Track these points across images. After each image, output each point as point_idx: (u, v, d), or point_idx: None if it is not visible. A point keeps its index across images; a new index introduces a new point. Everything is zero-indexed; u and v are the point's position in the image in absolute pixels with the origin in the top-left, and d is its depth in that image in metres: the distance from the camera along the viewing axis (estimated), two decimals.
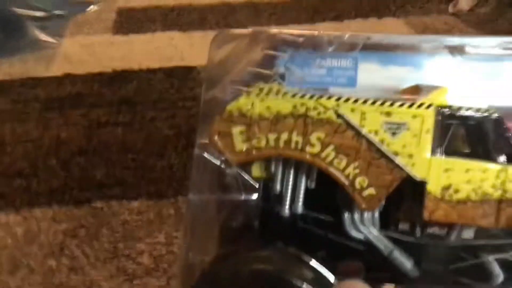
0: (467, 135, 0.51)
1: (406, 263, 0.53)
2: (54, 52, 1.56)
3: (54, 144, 1.15)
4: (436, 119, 0.50)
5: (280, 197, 0.54)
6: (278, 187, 0.54)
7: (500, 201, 0.50)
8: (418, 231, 0.54)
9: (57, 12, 1.83)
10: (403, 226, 0.55)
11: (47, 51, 1.57)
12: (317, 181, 0.54)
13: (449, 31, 1.30)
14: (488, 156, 0.50)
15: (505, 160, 0.50)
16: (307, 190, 0.54)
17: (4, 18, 1.67)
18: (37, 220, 0.96)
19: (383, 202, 0.53)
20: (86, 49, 1.56)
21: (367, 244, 0.54)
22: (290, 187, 0.54)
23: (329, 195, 0.54)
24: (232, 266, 0.47)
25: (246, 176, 0.52)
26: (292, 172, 0.54)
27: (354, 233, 0.53)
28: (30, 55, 1.54)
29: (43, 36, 1.67)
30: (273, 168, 0.54)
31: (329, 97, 0.49)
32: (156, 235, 0.90)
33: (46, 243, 0.91)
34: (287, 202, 0.54)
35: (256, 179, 0.55)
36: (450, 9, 1.40)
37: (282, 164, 0.54)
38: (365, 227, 0.53)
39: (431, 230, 0.54)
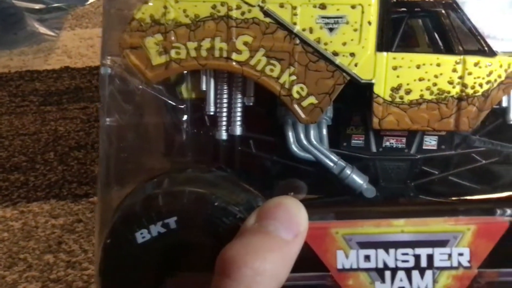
0: (418, 25, 0.45)
1: (360, 181, 0.47)
2: (52, 45, 1.57)
3: (52, 138, 1.16)
4: (380, 8, 0.43)
5: (215, 119, 0.48)
6: (211, 107, 0.48)
7: (460, 99, 0.43)
8: (373, 145, 0.48)
9: (56, 4, 1.81)
10: (357, 141, 0.49)
11: (45, 44, 1.58)
12: (256, 96, 0.47)
13: None
14: (444, 47, 0.44)
15: (463, 49, 0.43)
16: (245, 108, 0.48)
17: (2, 11, 1.65)
18: (34, 215, 0.96)
19: (328, 113, 0.47)
20: (85, 43, 1.56)
21: (317, 164, 0.48)
22: (225, 106, 0.48)
23: (271, 111, 0.48)
24: (167, 187, 0.41)
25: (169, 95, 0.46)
26: (225, 88, 0.47)
27: (300, 153, 0.47)
28: (29, 48, 1.56)
29: (42, 29, 1.66)
30: (203, 86, 0.47)
31: None
32: None
33: (44, 238, 0.92)
34: (223, 124, 0.48)
35: (186, 100, 0.49)
36: None
37: (214, 80, 0.47)
38: (311, 145, 0.47)
39: (388, 143, 0.48)
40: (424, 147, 0.48)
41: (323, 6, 0.42)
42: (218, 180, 0.43)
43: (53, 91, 1.33)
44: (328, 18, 0.42)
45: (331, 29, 0.42)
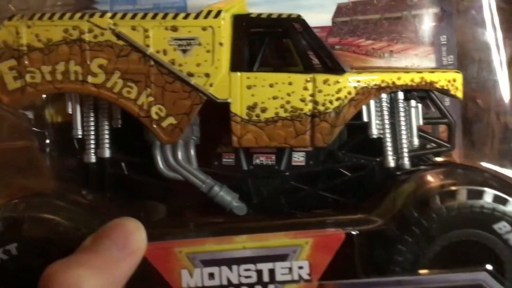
0: (273, 45, 0.46)
1: (228, 199, 0.47)
2: None
3: None
4: (233, 29, 0.44)
5: (83, 142, 0.48)
6: (78, 130, 0.48)
7: (313, 116, 0.44)
8: (244, 163, 0.49)
9: None
10: (228, 159, 0.50)
11: None
12: (123, 118, 0.48)
13: None
14: (302, 65, 0.45)
15: (313, 68, 0.44)
16: (113, 130, 0.48)
17: None
18: None
19: (195, 133, 0.47)
20: None
21: (187, 183, 0.48)
22: (92, 129, 0.48)
23: (139, 133, 0.48)
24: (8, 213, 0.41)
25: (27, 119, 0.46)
26: (91, 111, 0.47)
27: (169, 173, 0.47)
28: None
29: None
30: (69, 109, 0.47)
31: (102, 15, 0.43)
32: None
33: None
34: (91, 147, 0.47)
35: (55, 124, 0.48)
36: None
37: (80, 103, 0.47)
38: (179, 165, 0.47)
39: (258, 160, 0.49)
40: (293, 163, 0.49)
41: (174, 28, 0.43)
42: (71, 204, 0.42)
43: None
44: (180, 40, 0.43)
45: (184, 51, 0.43)
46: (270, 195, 0.49)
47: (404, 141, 0.47)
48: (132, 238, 0.36)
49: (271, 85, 0.44)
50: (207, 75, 0.43)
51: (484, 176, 0.42)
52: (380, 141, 0.47)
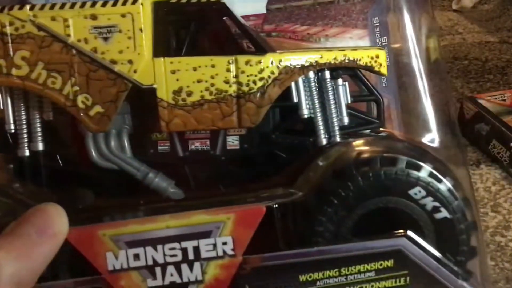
0: (195, 30, 0.47)
1: (164, 185, 0.48)
2: None
3: None
4: (153, 15, 0.44)
5: (16, 136, 0.48)
6: (11, 125, 0.48)
7: (238, 97, 0.45)
8: (179, 150, 0.49)
9: None
10: (163, 147, 0.50)
11: None
12: (55, 110, 0.48)
13: (452, 27, 1.29)
14: (222, 50, 0.46)
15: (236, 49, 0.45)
16: (44, 123, 0.48)
17: None
18: None
19: (127, 121, 0.47)
20: None
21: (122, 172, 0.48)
22: (24, 123, 0.48)
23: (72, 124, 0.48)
24: None
25: None
26: (22, 105, 0.47)
27: (102, 163, 0.48)
28: None
29: None
30: (0, 104, 0.47)
31: (21, 7, 0.43)
32: None
33: None
34: (25, 141, 0.47)
35: None
36: (454, 5, 1.38)
37: (10, 97, 0.47)
38: (112, 154, 0.48)
39: (193, 146, 0.50)
40: (228, 148, 0.49)
41: (94, 17, 0.43)
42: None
43: None
44: (100, 28, 0.43)
45: (105, 38, 0.43)
46: (207, 180, 0.49)
47: (334, 119, 0.48)
48: (52, 222, 0.36)
49: (194, 69, 0.44)
50: (130, 61, 0.44)
51: (400, 144, 0.43)
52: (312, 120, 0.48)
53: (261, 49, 0.45)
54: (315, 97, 0.48)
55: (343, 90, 0.48)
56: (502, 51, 1.16)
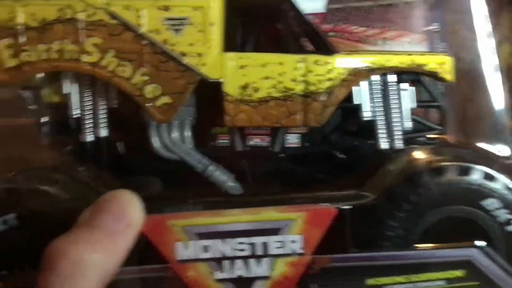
0: (262, 27, 0.47)
1: (224, 178, 0.48)
2: None
3: None
4: (225, 10, 0.44)
5: (80, 121, 0.48)
6: (76, 110, 0.48)
7: (305, 96, 0.45)
8: (239, 144, 0.50)
9: None
10: (223, 140, 0.50)
11: None
12: (120, 98, 0.48)
13: None
14: (293, 47, 0.45)
15: (305, 48, 0.45)
16: (110, 110, 0.48)
17: None
18: None
19: (191, 114, 0.47)
20: None
21: (183, 163, 0.48)
22: (89, 109, 0.48)
23: (136, 113, 0.48)
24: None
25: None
26: (88, 91, 0.47)
27: (165, 153, 0.48)
28: None
29: None
30: (66, 89, 0.47)
31: None
32: None
33: None
34: (88, 126, 0.48)
35: (52, 104, 0.49)
36: None
37: (77, 83, 0.47)
38: (175, 145, 0.48)
39: (253, 141, 0.50)
40: (287, 145, 0.49)
41: (166, 8, 0.43)
42: (68, 178, 0.43)
43: None
44: (172, 19, 0.43)
45: (177, 30, 0.44)
46: (264, 175, 0.49)
47: (396, 123, 0.48)
48: (127, 210, 0.36)
49: (263, 65, 0.44)
50: (200, 54, 0.44)
51: (472, 153, 0.43)
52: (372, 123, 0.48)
53: (329, 49, 0.45)
54: (378, 100, 0.48)
55: (408, 95, 0.48)
56: None
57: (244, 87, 0.44)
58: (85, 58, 0.44)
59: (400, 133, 0.47)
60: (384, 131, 0.47)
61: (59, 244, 0.33)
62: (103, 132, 0.47)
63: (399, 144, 0.47)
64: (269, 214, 0.38)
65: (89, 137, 0.47)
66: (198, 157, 0.48)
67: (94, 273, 0.33)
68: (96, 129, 0.47)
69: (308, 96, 0.45)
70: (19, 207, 0.39)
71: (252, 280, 0.38)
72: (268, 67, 0.44)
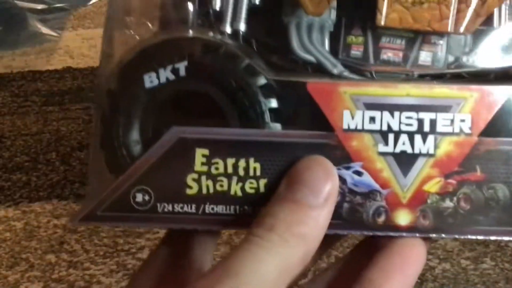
0: None
1: None
2: (55, 45, 1.58)
3: (54, 139, 1.18)
4: None
5: (220, 14, 0.48)
6: (218, 2, 0.48)
7: (459, 1, 0.45)
8: (371, 57, 0.50)
9: (58, 5, 1.81)
10: (356, 52, 0.50)
11: (48, 45, 1.59)
12: None
13: None
14: None
15: None
16: (250, 7, 0.48)
17: (5, 11, 1.65)
18: (36, 215, 0.97)
19: (332, 16, 0.48)
20: (87, 43, 1.58)
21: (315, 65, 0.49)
22: (231, 2, 0.48)
23: (276, 13, 0.49)
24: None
25: None
26: None
27: (302, 54, 0.48)
28: (31, 48, 1.58)
29: (44, 29, 1.67)
30: None
31: None
32: (156, 231, 0.91)
33: (46, 238, 0.93)
34: (228, 19, 0.48)
35: None
36: None
37: None
38: (313, 46, 0.48)
39: (385, 56, 0.50)
40: (419, 63, 0.50)
41: None
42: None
43: (55, 92, 1.36)
44: None
45: None
46: None
47: None
48: (324, 182, 0.34)
49: None
50: None
51: None
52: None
53: None
54: None
55: None
56: None
57: None
58: None
59: None
60: None
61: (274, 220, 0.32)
62: (242, 26, 0.48)
63: None
64: (441, 91, 0.38)
65: (227, 29, 0.48)
66: (334, 61, 0.48)
67: (298, 263, 0.32)
68: (235, 22, 0.48)
69: (462, 1, 0.45)
70: (191, 57, 0.39)
71: (415, 156, 0.38)
72: None
